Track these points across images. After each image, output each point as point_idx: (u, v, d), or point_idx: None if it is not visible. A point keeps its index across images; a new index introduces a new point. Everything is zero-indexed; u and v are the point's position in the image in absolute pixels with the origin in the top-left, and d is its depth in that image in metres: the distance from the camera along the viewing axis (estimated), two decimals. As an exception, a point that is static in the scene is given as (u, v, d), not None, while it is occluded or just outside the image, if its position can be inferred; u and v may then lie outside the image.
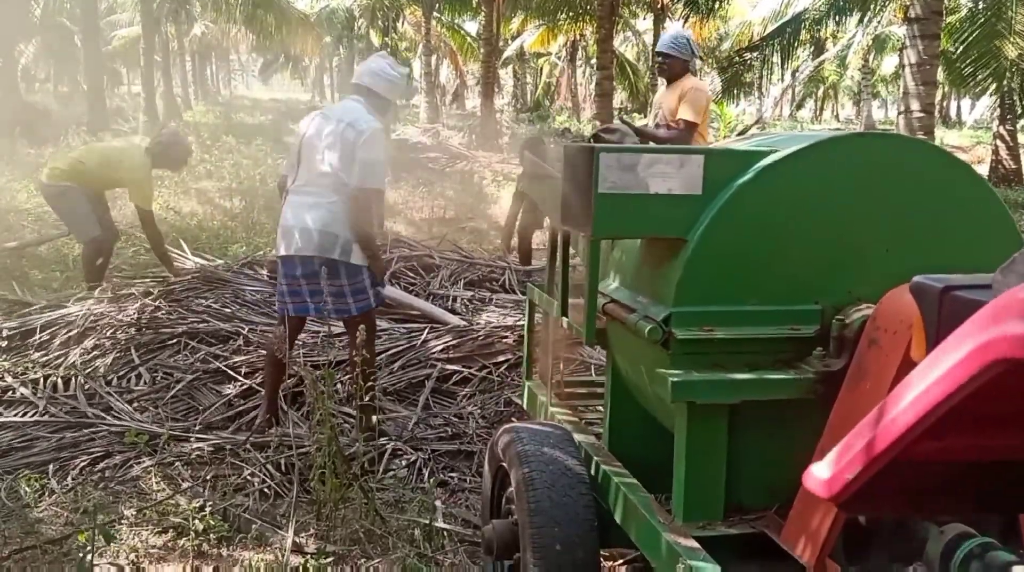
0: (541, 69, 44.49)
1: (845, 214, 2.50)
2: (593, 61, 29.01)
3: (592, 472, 2.82)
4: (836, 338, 2.41)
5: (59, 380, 5.18)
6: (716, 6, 19.73)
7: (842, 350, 2.38)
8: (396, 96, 4.77)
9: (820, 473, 1.56)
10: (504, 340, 5.49)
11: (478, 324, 5.84)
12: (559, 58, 40.62)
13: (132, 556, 3.55)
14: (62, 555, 3.58)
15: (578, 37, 34.77)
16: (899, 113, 11.79)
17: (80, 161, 7.10)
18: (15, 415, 4.83)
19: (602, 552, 2.79)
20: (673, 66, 6.32)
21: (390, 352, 5.43)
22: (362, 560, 3.54)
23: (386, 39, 36.70)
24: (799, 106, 52.42)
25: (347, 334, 4.63)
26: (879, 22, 26.68)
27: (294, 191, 4.56)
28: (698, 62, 6.49)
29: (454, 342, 5.48)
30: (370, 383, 4.34)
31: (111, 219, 7.39)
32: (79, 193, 6.93)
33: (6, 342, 5.73)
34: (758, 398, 2.39)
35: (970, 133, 36.06)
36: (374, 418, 4.41)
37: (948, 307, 1.60)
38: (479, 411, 4.90)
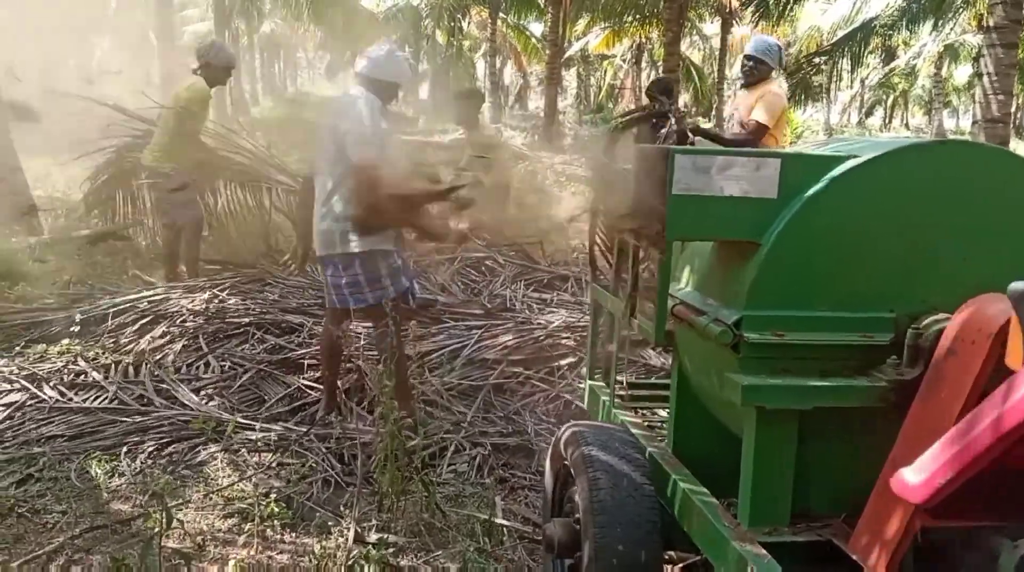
0: (605, 71, 44.29)
1: (922, 222, 2.46)
2: (659, 64, 28.82)
3: (655, 474, 2.81)
4: (911, 347, 2.36)
5: (130, 366, 5.30)
6: (786, 11, 19.45)
7: (917, 359, 2.34)
8: (393, 76, 4.59)
9: (910, 478, 1.54)
10: (564, 341, 5.49)
11: (539, 323, 5.84)
12: (624, 60, 40.39)
13: (198, 539, 3.62)
14: (131, 535, 3.67)
15: (644, 40, 34.57)
16: (974, 122, 11.55)
17: (164, 136, 7.05)
18: (86, 400, 4.95)
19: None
20: (759, 71, 6.50)
21: (450, 348, 5.47)
22: (423, 552, 3.57)
23: (451, 39, 36.80)
24: (868, 113, 51.69)
25: (373, 326, 4.77)
26: (952, 30, 26.21)
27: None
28: (776, 73, 6.68)
29: (513, 342, 5.50)
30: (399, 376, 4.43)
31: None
32: (180, 174, 6.97)
33: (79, 327, 5.88)
34: (830, 405, 2.37)
35: (1043, 145, 35.24)
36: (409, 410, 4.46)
37: None
38: (539, 409, 4.91)
